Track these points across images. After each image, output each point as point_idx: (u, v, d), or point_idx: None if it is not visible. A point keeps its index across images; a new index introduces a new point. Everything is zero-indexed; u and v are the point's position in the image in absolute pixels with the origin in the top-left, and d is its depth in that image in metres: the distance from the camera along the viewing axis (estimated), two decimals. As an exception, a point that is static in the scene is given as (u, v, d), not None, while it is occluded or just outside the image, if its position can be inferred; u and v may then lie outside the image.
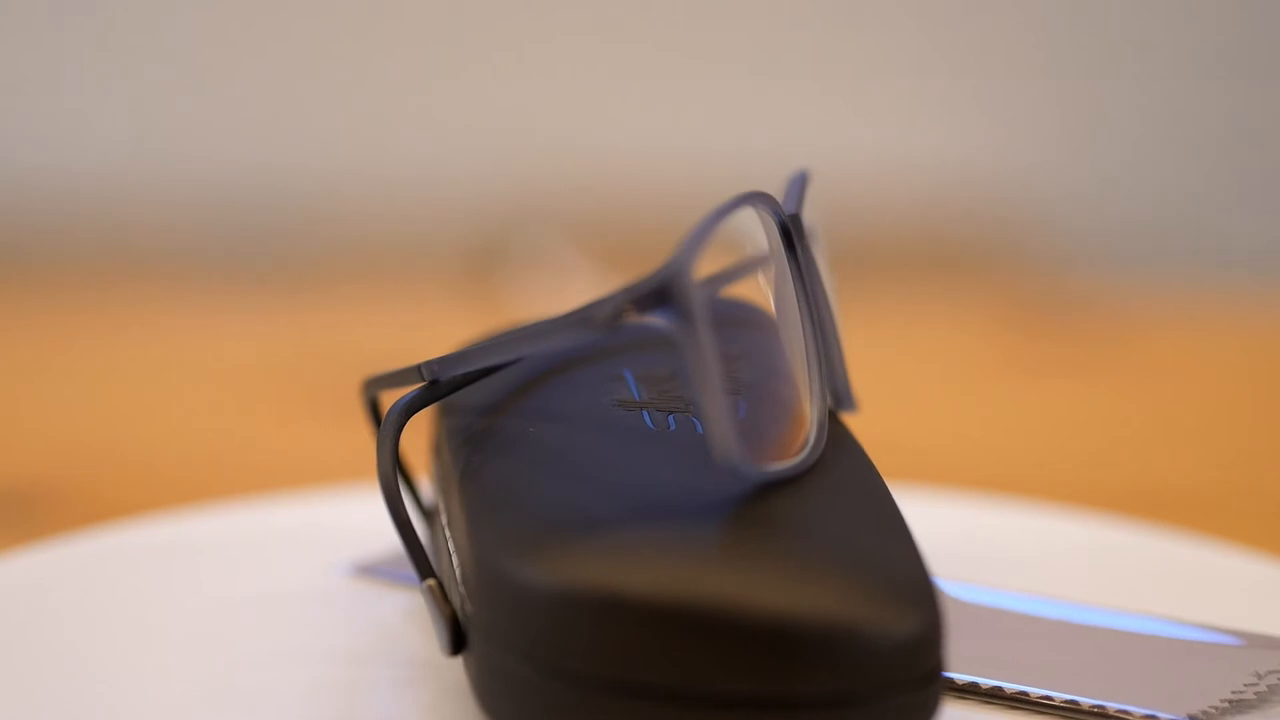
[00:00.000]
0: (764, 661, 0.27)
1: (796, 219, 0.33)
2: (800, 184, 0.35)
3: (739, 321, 0.37)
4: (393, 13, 0.96)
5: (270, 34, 0.96)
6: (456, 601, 0.30)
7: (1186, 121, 0.99)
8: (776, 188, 0.35)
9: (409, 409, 0.33)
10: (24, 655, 0.34)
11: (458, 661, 0.31)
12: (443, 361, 0.33)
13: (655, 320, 0.29)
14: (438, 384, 0.33)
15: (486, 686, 0.29)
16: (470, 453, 0.32)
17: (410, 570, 0.33)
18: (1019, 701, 0.33)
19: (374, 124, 0.97)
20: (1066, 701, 0.32)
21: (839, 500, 0.31)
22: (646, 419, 0.33)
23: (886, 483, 0.32)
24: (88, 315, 0.77)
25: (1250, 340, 0.76)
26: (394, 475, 0.32)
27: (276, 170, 0.95)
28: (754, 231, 0.34)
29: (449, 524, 0.33)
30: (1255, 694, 0.33)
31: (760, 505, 0.30)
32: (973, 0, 0.98)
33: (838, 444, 0.33)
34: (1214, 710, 0.32)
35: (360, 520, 0.39)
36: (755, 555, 0.28)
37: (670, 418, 0.33)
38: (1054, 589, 0.37)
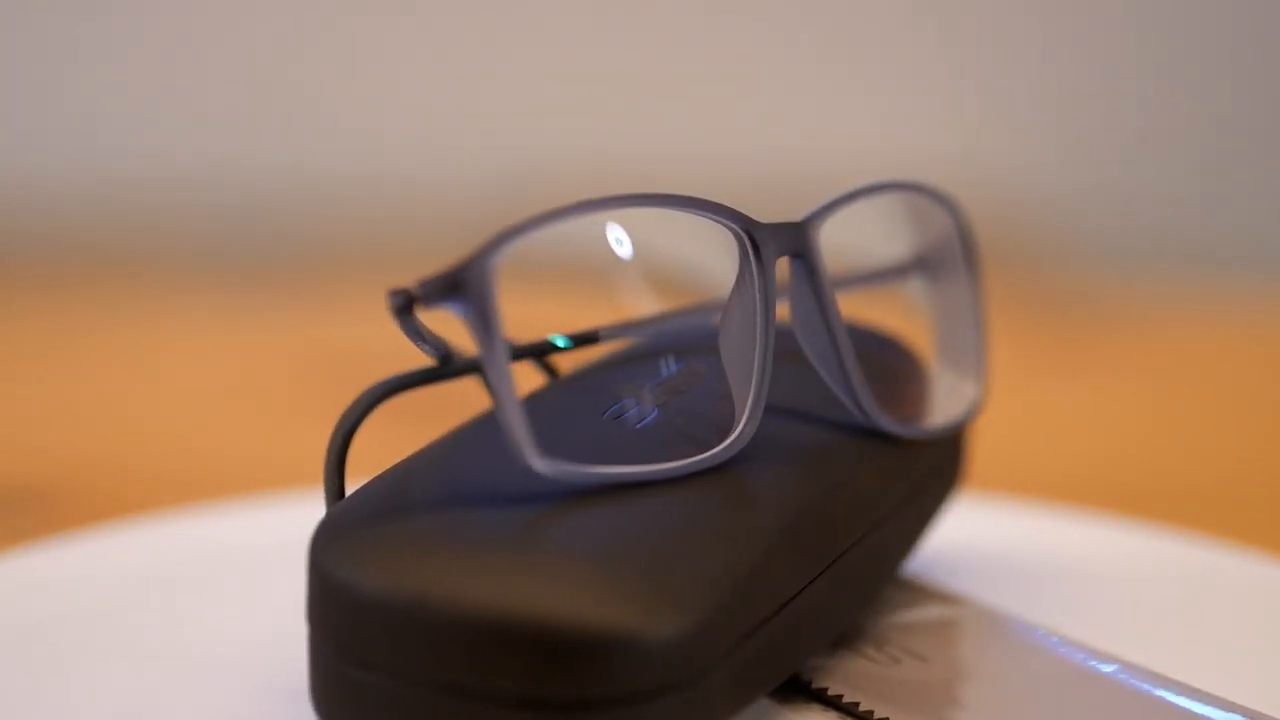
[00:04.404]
0: (512, 662, 0.26)
1: (792, 229, 0.32)
2: (841, 198, 0.33)
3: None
4: (391, 11, 0.96)
5: (267, 33, 0.96)
6: None
7: (1194, 119, 0.99)
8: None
9: (391, 388, 0.32)
10: (23, 655, 0.34)
11: None
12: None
13: (451, 309, 0.28)
14: (449, 360, 0.32)
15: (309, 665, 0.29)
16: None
17: None
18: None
19: (370, 122, 0.97)
20: None
21: (681, 506, 0.29)
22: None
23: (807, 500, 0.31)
24: (86, 315, 0.77)
25: (1263, 337, 0.76)
26: (345, 440, 0.31)
27: (272, 170, 0.95)
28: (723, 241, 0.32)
29: None
30: None
31: (581, 508, 0.29)
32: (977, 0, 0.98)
33: (818, 456, 0.32)
34: None
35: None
36: (532, 558, 0.27)
37: (647, 417, 0.32)
38: (1056, 592, 0.37)
